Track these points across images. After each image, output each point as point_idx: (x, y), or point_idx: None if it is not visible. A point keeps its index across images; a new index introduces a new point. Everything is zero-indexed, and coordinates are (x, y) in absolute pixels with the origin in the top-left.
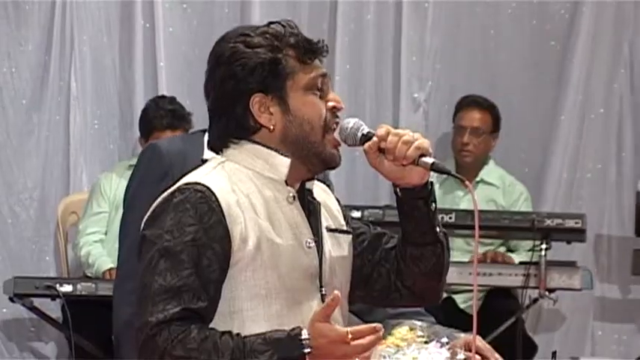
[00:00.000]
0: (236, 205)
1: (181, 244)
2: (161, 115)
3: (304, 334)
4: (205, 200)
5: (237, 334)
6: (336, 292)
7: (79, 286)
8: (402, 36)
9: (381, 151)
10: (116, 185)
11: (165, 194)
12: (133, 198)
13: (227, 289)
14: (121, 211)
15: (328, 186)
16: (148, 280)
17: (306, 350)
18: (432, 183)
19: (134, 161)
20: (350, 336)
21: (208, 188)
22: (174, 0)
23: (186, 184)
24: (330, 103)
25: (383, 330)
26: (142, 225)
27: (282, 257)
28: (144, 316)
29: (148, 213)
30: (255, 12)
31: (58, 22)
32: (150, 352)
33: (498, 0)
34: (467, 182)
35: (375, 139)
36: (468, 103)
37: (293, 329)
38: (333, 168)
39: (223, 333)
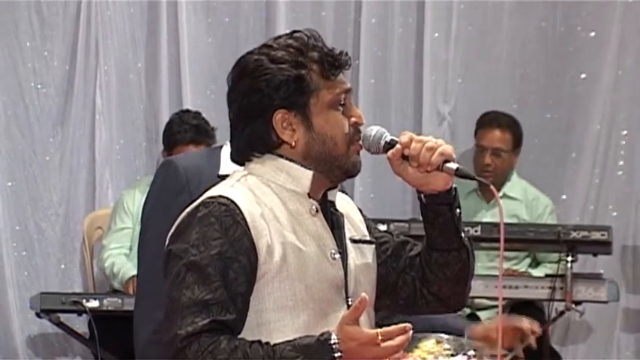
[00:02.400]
0: (260, 217)
1: (208, 257)
2: (185, 129)
3: (333, 339)
4: (230, 213)
5: (267, 343)
6: (363, 294)
7: (105, 302)
8: (426, 48)
9: (404, 158)
10: (139, 201)
11: (189, 209)
12: (149, 215)
13: (254, 302)
14: None
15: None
16: (175, 294)
17: (337, 354)
18: (456, 189)
19: None
20: (380, 337)
21: (232, 201)
22: (199, 14)
23: (210, 197)
24: (353, 119)
25: (412, 331)
26: (167, 240)
27: (309, 268)
28: (173, 330)
29: (173, 228)
30: (280, 26)
31: (83, 38)
32: None
33: (524, 11)
34: (492, 187)
35: (398, 146)
36: (488, 121)
37: (322, 334)
38: (355, 176)
39: (252, 342)
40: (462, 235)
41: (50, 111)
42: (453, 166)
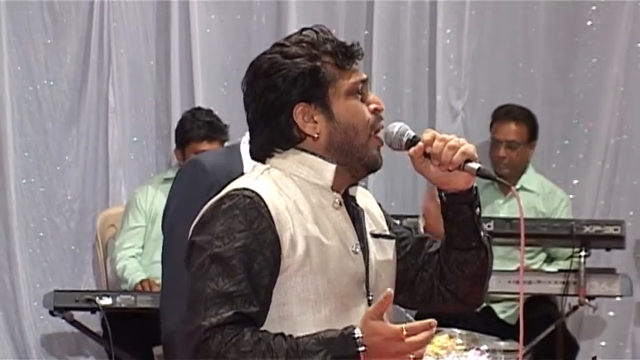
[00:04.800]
0: (285, 210)
1: (232, 250)
2: (198, 126)
3: (357, 333)
4: (254, 206)
5: (290, 336)
6: (389, 290)
7: (118, 299)
8: (438, 43)
9: (426, 156)
10: (152, 198)
11: (213, 200)
12: (176, 214)
13: (276, 295)
14: (157, 224)
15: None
16: (199, 286)
17: (361, 348)
18: (476, 188)
19: (169, 174)
20: (405, 332)
21: (257, 194)
22: (211, 11)
23: (235, 189)
24: (372, 106)
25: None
26: (191, 231)
27: (331, 262)
28: (196, 321)
29: (197, 219)
30: (291, 23)
31: (96, 35)
32: (203, 357)
33: (536, 5)
34: (512, 187)
35: (420, 144)
36: (503, 114)
37: (346, 328)
38: (376, 171)
39: (276, 335)
40: (482, 234)
41: (63, 108)
42: (474, 165)
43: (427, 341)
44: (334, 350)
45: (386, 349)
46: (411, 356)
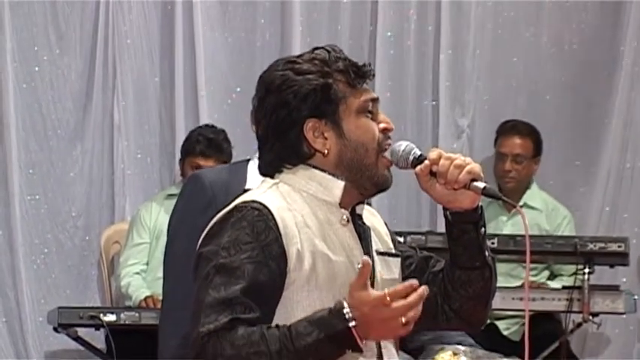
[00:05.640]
0: (293, 224)
1: (237, 260)
2: (198, 140)
3: (346, 307)
4: (262, 218)
5: (283, 325)
6: (365, 257)
7: (122, 316)
8: (442, 61)
9: (432, 174)
10: (156, 215)
11: (222, 213)
12: (175, 229)
13: (282, 310)
14: (161, 240)
15: None
16: (202, 295)
17: (351, 324)
18: (482, 207)
19: (173, 190)
20: (388, 298)
21: (265, 206)
22: (215, 29)
23: (244, 202)
24: (382, 125)
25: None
26: (199, 243)
27: (337, 279)
28: (196, 329)
29: (205, 231)
30: (295, 40)
31: (101, 51)
32: None
33: (541, 23)
34: (518, 207)
35: (426, 162)
36: (508, 129)
37: (335, 305)
38: (385, 190)
39: (269, 327)
40: (486, 254)
41: (68, 124)
42: (480, 184)
43: (416, 303)
44: (326, 329)
45: (375, 317)
46: (403, 320)
